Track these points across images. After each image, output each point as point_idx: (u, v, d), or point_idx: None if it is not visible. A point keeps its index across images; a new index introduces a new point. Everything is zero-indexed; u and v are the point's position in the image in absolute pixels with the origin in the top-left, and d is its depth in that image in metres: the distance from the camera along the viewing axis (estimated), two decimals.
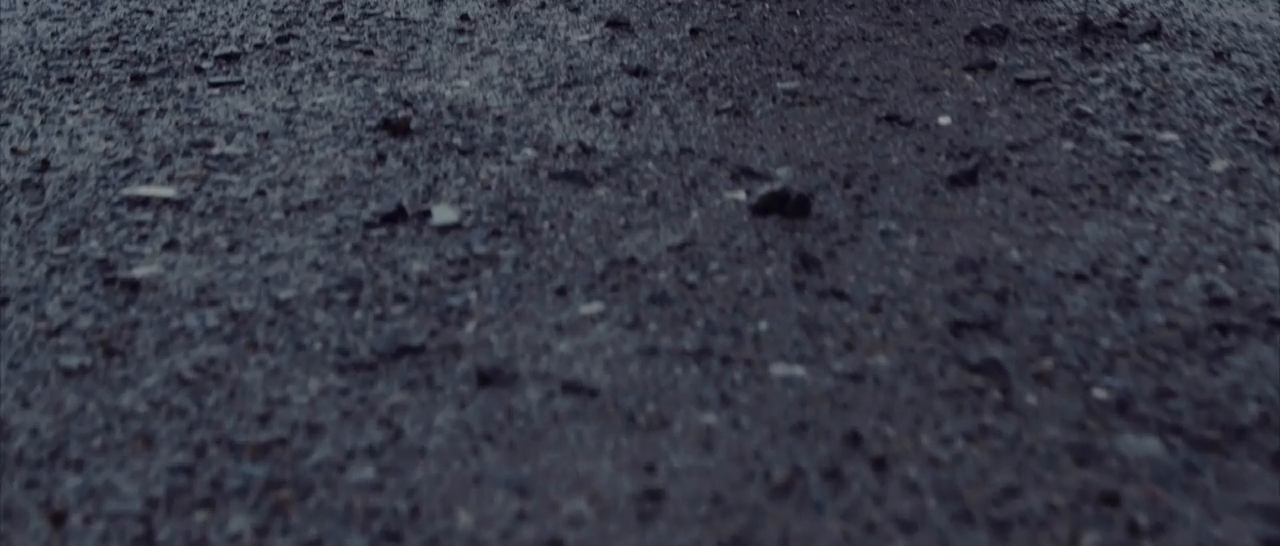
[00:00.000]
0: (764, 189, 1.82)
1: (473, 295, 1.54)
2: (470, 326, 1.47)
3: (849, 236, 1.68)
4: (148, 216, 1.76)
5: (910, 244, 1.66)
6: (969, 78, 2.29)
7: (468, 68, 2.38)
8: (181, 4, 2.80)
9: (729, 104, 2.17)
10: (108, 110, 2.17)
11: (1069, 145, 1.99)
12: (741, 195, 1.81)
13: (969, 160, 1.93)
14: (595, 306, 1.51)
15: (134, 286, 1.56)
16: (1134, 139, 2.01)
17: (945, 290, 1.54)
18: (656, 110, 2.15)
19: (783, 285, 1.55)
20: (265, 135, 2.05)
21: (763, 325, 1.46)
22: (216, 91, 2.26)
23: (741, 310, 1.49)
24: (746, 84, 2.27)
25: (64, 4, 2.80)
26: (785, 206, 1.75)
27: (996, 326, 1.46)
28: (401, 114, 2.13)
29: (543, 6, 2.75)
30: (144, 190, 1.84)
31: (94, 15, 2.72)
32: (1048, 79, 2.26)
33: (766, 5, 2.74)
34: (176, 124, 2.10)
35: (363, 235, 1.70)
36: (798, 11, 2.70)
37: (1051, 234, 1.69)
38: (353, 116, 2.13)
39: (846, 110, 2.14)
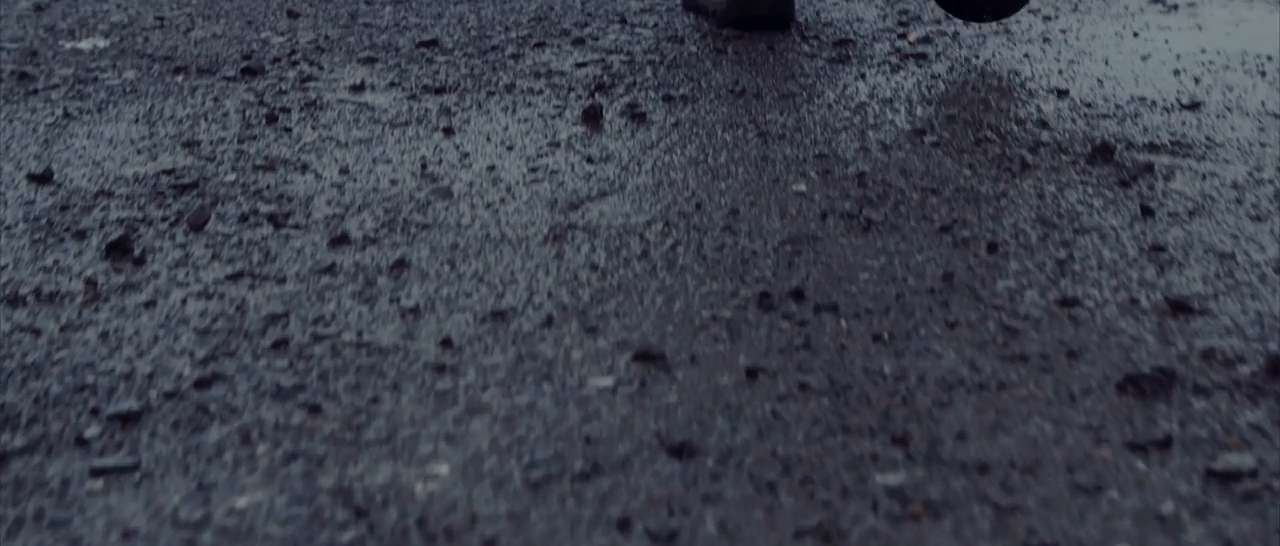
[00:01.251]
0: None
1: None
2: None
3: None
4: None
5: None
6: (1140, 465, 1.77)
7: (448, 438, 1.86)
8: (81, 317, 2.29)
9: (814, 518, 1.64)
10: None
11: None
12: None
13: None
14: None
15: None
16: None
17: None
18: (711, 527, 1.63)
19: None
20: None
21: None
22: (99, 485, 1.74)
23: None
24: (831, 472, 1.75)
25: None
26: None
27: None
28: (351, 536, 1.61)
29: (550, 324, 2.24)
30: None
31: None
32: (1253, 472, 1.74)
33: (842, 324, 2.23)
34: None
35: None
36: (884, 336, 2.18)
37: None
38: (282, 540, 1.60)
39: (982, 532, 1.61)
